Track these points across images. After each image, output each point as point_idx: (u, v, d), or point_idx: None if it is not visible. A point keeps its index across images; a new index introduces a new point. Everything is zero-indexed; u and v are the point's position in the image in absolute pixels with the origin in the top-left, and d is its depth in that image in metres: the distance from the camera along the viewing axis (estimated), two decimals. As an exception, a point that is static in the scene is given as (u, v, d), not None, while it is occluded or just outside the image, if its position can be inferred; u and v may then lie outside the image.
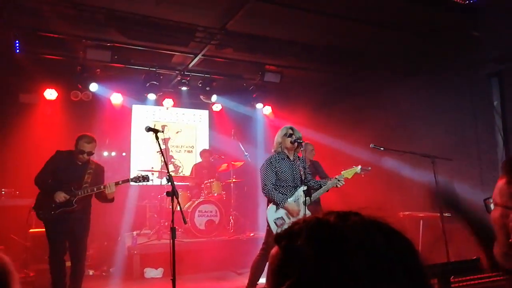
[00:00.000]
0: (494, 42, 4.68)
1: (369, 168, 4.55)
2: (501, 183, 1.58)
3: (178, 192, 4.22)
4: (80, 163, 4.41)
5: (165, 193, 6.50)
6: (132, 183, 4.49)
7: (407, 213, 5.88)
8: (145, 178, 4.47)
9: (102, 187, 4.26)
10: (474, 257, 3.83)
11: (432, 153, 4.63)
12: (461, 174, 5.15)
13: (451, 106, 5.42)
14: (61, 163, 4.34)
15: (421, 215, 5.66)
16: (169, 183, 3.34)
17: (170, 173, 3.47)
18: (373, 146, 4.90)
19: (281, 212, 4.04)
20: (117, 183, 4.31)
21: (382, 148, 4.90)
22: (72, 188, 4.22)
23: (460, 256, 4.15)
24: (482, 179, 5.13)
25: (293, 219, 3.98)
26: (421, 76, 5.78)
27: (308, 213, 4.06)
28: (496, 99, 4.85)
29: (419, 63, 5.68)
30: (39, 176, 4.24)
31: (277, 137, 4.27)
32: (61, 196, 4.13)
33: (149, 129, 3.47)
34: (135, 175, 4.55)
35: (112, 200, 4.39)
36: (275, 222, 4.03)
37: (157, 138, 3.42)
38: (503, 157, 4.84)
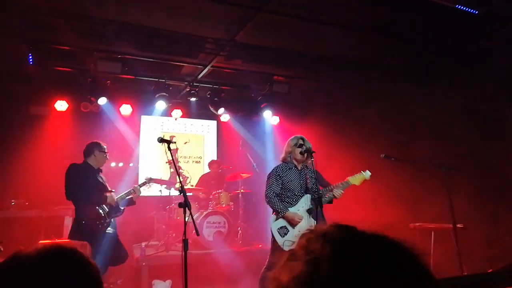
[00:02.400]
0: (505, 51, 4.67)
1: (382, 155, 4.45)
2: None
3: (186, 203, 4.30)
4: (100, 171, 4.52)
5: (177, 205, 6.61)
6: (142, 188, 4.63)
7: (417, 224, 5.81)
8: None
9: (132, 191, 4.52)
10: (489, 270, 3.77)
11: (444, 163, 4.59)
12: (473, 184, 5.09)
13: (462, 115, 5.39)
14: (87, 175, 4.39)
15: (432, 226, 5.59)
16: (181, 194, 3.32)
17: (179, 184, 3.46)
18: (384, 156, 4.85)
19: (284, 221, 3.99)
20: (141, 185, 4.78)
21: (393, 159, 4.86)
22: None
23: (474, 269, 4.08)
24: (494, 188, 5.07)
25: (297, 228, 3.94)
26: (430, 83, 5.75)
27: (311, 221, 4.01)
28: (508, 107, 4.82)
29: (429, 70, 5.67)
30: (77, 191, 4.20)
31: (287, 146, 4.24)
32: (112, 198, 4.33)
33: (161, 140, 3.47)
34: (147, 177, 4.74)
35: (135, 203, 4.71)
36: (278, 232, 3.98)
37: (169, 149, 3.42)
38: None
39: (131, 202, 4.67)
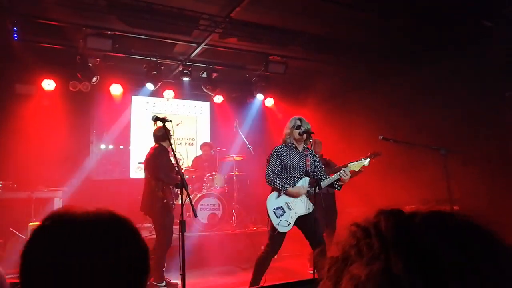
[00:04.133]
0: (506, 32, 4.58)
1: (379, 153, 4.45)
2: None
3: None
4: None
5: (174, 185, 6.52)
6: None
7: (413, 206, 5.80)
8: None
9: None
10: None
11: (442, 144, 4.55)
12: (470, 166, 5.07)
13: (460, 97, 5.33)
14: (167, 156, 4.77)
15: (429, 208, 5.59)
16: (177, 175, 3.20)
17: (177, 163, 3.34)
18: (382, 138, 4.80)
19: (281, 201, 3.94)
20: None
21: (391, 140, 4.81)
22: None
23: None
24: (492, 171, 5.06)
25: (294, 209, 3.89)
26: (430, 66, 5.67)
27: (309, 204, 3.97)
28: (508, 91, 4.76)
29: (427, 53, 5.57)
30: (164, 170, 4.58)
31: (286, 128, 4.17)
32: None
33: (156, 119, 3.34)
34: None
35: None
36: (274, 212, 3.93)
37: (165, 128, 3.29)
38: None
39: None
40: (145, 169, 4.83)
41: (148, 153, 4.80)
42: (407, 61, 5.86)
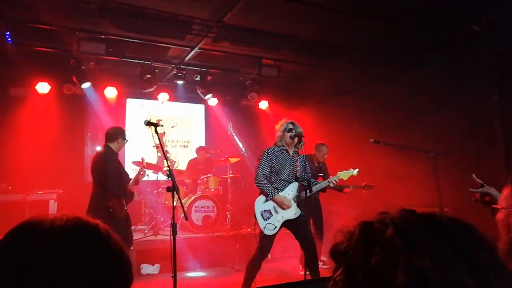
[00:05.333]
0: (494, 37, 4.65)
1: (372, 186, 4.60)
2: (506, 191, 2.10)
3: (175, 187, 4.29)
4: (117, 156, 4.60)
5: (165, 189, 6.54)
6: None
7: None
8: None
9: (142, 171, 4.78)
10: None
11: (432, 147, 4.62)
12: (459, 169, 5.13)
13: (450, 101, 5.40)
14: (118, 163, 4.54)
15: (418, 210, 5.66)
16: (169, 178, 3.25)
17: (167, 168, 3.40)
18: (373, 141, 4.88)
19: (269, 205, 4.00)
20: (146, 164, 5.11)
21: (382, 143, 4.88)
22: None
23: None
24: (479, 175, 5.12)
25: (281, 213, 3.96)
26: (419, 69, 5.74)
27: (297, 209, 4.04)
28: (496, 94, 4.84)
29: (417, 57, 5.64)
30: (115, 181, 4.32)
31: (278, 131, 4.23)
32: (136, 195, 4.65)
33: (148, 123, 3.38)
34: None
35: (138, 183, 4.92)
36: (261, 214, 3.98)
37: (156, 132, 3.34)
38: (502, 153, 4.85)
39: (136, 183, 4.78)
40: (91, 173, 4.47)
41: (94, 156, 4.52)
42: (397, 65, 5.93)
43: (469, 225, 0.61)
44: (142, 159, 5.27)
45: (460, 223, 0.60)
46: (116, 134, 4.48)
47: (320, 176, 5.41)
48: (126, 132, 4.61)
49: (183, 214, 3.16)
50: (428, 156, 4.62)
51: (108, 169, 4.24)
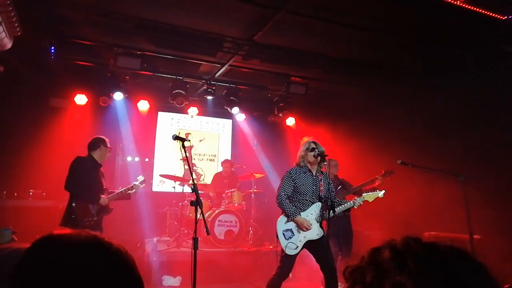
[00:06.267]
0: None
1: (393, 171, 4.44)
2: None
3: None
4: (100, 166, 4.53)
5: (189, 202, 6.61)
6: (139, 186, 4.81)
7: (433, 233, 5.68)
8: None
9: (131, 187, 4.62)
10: (506, 286, 3.63)
11: (463, 171, 4.46)
12: (492, 195, 4.92)
13: (482, 121, 5.22)
14: (90, 170, 4.42)
15: (447, 235, 5.45)
16: (193, 192, 3.31)
17: (192, 182, 3.45)
18: (400, 162, 4.76)
19: (291, 224, 3.96)
20: (141, 183, 4.81)
21: (409, 165, 4.76)
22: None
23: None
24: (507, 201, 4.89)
25: (303, 233, 3.90)
26: (448, 89, 5.59)
27: (320, 230, 3.98)
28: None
29: (446, 76, 5.52)
30: (77, 185, 4.21)
31: (300, 151, 4.22)
32: (105, 201, 4.35)
33: (175, 138, 3.47)
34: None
35: (130, 198, 4.78)
36: (283, 234, 3.95)
37: (183, 146, 3.42)
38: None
39: (127, 197, 4.72)
40: None
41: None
42: (425, 84, 5.82)
43: (465, 252, 0.68)
44: (143, 180, 5.01)
45: (456, 251, 0.68)
46: (98, 143, 4.50)
47: (340, 189, 5.36)
48: (107, 141, 4.58)
49: (206, 228, 3.20)
50: (458, 180, 4.47)
51: (72, 170, 4.21)
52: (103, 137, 4.66)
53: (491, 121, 5.07)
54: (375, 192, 4.29)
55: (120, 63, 6.01)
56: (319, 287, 5.41)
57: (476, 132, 5.23)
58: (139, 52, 6.01)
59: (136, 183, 4.77)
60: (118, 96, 6.87)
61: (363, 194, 4.27)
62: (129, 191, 4.65)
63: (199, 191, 3.30)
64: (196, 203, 3.19)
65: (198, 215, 3.19)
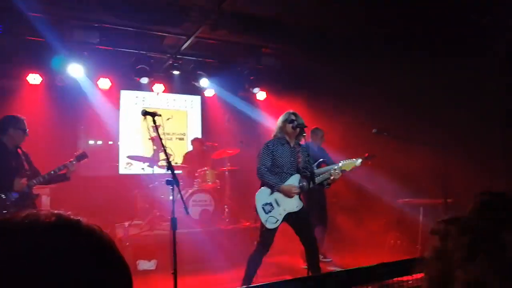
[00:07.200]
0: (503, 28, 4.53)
1: (375, 155, 4.38)
2: None
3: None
4: (13, 151, 3.90)
5: (160, 184, 6.38)
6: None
7: (406, 200, 5.79)
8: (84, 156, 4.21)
9: (62, 167, 3.91)
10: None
11: (439, 141, 4.51)
12: (469, 163, 5.01)
13: (458, 94, 5.28)
14: (6, 152, 3.84)
15: (421, 201, 5.57)
16: (168, 171, 3.09)
17: (164, 160, 3.22)
18: (375, 131, 4.75)
19: (271, 198, 3.88)
20: (77, 159, 4.09)
21: (385, 133, 4.76)
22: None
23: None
24: (491, 168, 5.02)
25: (283, 206, 3.82)
26: (428, 64, 5.58)
27: (299, 202, 3.91)
28: (502, 89, 4.73)
29: (426, 51, 5.49)
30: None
31: (278, 122, 4.09)
32: (20, 185, 3.70)
33: (145, 113, 3.21)
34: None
35: (69, 178, 4.10)
36: (263, 208, 3.86)
37: (154, 122, 3.18)
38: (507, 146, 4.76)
39: (64, 178, 4.09)
40: None
41: None
42: (405, 60, 5.77)
43: None
44: (77, 155, 4.25)
45: None
46: (4, 124, 3.85)
47: (322, 161, 5.29)
48: (21, 121, 3.92)
49: (184, 208, 3.01)
50: (434, 150, 4.52)
51: None
52: (15, 116, 3.95)
53: (468, 95, 5.11)
54: (352, 161, 4.12)
55: (76, 37, 5.55)
56: (299, 260, 5.42)
57: (450, 105, 5.28)
58: (96, 25, 5.55)
59: (70, 161, 4.04)
60: (76, 73, 6.38)
61: (340, 162, 4.13)
62: (62, 171, 3.97)
63: (169, 172, 3.03)
64: (173, 182, 2.99)
65: (176, 195, 3.00)
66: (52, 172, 3.93)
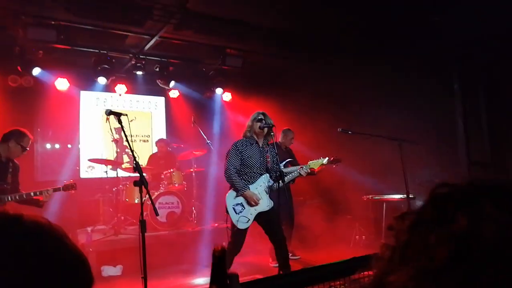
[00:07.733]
0: (455, 27, 4.79)
1: (340, 160, 4.55)
2: None
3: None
4: (3, 161, 3.86)
5: (125, 186, 6.18)
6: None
7: (370, 196, 5.99)
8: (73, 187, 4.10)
9: (38, 193, 3.80)
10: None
11: (400, 136, 4.70)
12: (422, 157, 5.28)
13: (412, 91, 5.53)
14: None
15: (384, 199, 5.79)
16: (136, 171, 3.01)
17: (127, 163, 3.14)
18: (341, 130, 4.88)
19: (241, 198, 3.92)
20: (55, 189, 3.97)
21: (350, 132, 4.90)
22: None
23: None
24: (441, 162, 5.30)
25: (254, 207, 3.86)
26: (384, 61, 5.81)
27: (270, 201, 3.96)
28: (456, 83, 5.01)
29: (381, 48, 5.71)
30: None
31: (248, 121, 4.12)
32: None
33: (110, 113, 3.11)
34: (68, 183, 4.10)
35: (42, 206, 3.95)
36: (233, 208, 3.90)
37: (120, 122, 3.07)
38: (462, 140, 5.04)
39: (36, 205, 3.93)
40: None
41: None
42: (363, 56, 5.97)
43: None
44: (65, 185, 4.14)
45: None
46: (9, 135, 3.90)
47: (289, 162, 5.36)
48: (26, 138, 3.93)
49: (154, 209, 2.94)
50: (395, 144, 4.70)
51: None
52: (24, 132, 3.95)
53: (423, 90, 5.37)
54: (320, 160, 4.35)
55: (31, 35, 5.25)
56: (268, 259, 5.45)
57: (410, 100, 5.52)
58: (53, 22, 5.29)
59: (49, 189, 3.92)
60: (36, 71, 6.06)
61: (309, 162, 4.31)
62: (37, 197, 3.85)
63: (134, 174, 2.97)
64: (141, 183, 2.91)
65: (143, 197, 2.93)
66: (25, 195, 3.81)
